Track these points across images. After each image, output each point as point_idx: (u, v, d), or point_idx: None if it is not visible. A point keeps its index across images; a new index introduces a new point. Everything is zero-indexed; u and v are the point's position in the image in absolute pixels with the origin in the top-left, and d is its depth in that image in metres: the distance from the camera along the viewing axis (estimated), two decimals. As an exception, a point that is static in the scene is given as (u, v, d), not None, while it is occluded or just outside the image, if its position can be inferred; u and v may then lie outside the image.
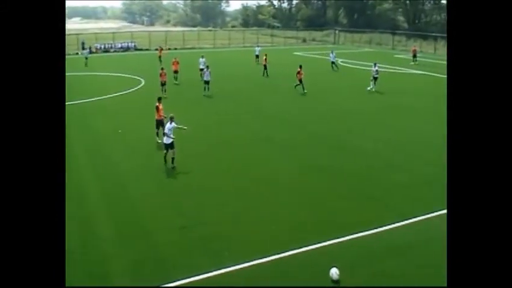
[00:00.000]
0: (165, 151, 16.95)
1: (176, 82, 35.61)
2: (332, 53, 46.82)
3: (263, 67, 40.96)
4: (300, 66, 32.68)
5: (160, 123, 19.51)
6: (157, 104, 19.85)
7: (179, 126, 17.25)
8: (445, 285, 9.61)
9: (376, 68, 32.85)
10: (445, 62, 51.29)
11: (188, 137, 19.02)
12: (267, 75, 40.31)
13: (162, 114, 19.57)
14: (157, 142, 19.52)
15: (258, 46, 55.98)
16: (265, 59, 41.37)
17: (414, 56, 51.27)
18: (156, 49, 55.34)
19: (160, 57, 48.33)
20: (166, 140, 16.73)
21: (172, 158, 16.74)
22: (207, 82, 31.60)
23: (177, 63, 36.62)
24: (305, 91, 31.85)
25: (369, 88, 31.61)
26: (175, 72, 36.16)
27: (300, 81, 32.10)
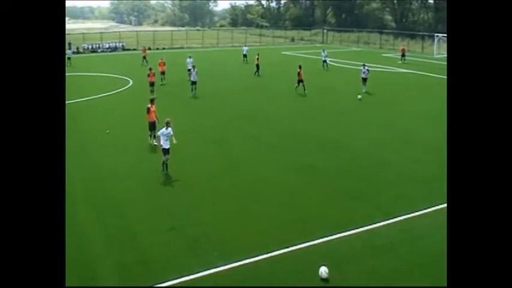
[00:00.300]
0: (164, 156, 16.31)
1: (163, 83, 35.35)
2: (323, 51, 46.96)
3: (255, 66, 41.04)
4: (300, 67, 32.16)
5: (152, 126, 19.23)
6: (148, 105, 19.47)
7: (171, 136, 16.34)
8: (436, 281, 9.78)
9: (366, 68, 32.28)
10: (432, 61, 51.98)
11: (177, 138, 18.92)
12: (259, 74, 40.54)
13: (154, 116, 19.23)
14: (153, 145, 19.17)
15: (245, 46, 56.21)
16: (258, 58, 41.51)
17: (403, 55, 51.61)
18: (140, 49, 55.10)
19: (144, 57, 47.96)
20: (166, 145, 16.17)
21: (166, 164, 16.32)
22: (194, 83, 31.26)
23: (164, 63, 36.40)
24: (306, 92, 31.38)
25: (359, 97, 29.68)
26: (162, 73, 35.92)
27: (300, 81, 31.53)
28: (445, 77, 39.84)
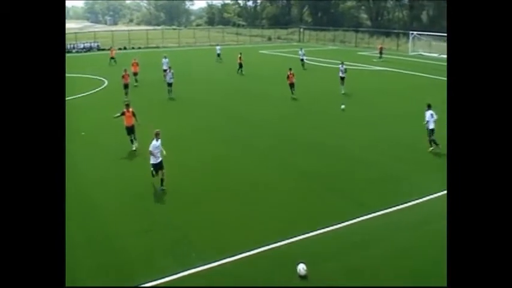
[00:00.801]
0: (154, 173, 14.88)
1: (136, 84, 34.39)
2: (301, 50, 47.05)
3: (238, 65, 41.40)
4: (290, 69, 30.76)
5: (130, 130, 18.66)
6: (124, 110, 18.74)
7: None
8: (413, 276, 9.92)
9: (344, 67, 31.52)
10: (408, 58, 52.59)
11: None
12: (242, 73, 40.87)
13: (131, 121, 18.61)
14: (133, 150, 18.75)
15: (218, 45, 56.12)
16: (240, 57, 41.84)
17: (380, 53, 51.99)
18: (103, 49, 54.49)
19: (112, 57, 47.25)
20: (154, 160, 14.62)
21: (162, 180, 14.70)
22: (170, 84, 30.42)
23: (137, 64, 35.53)
24: (294, 95, 29.78)
25: (343, 107, 26.16)
26: (135, 74, 34.87)
27: (291, 85, 29.90)
28: (420, 74, 40.46)
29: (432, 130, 18.60)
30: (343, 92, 31.12)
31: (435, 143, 18.61)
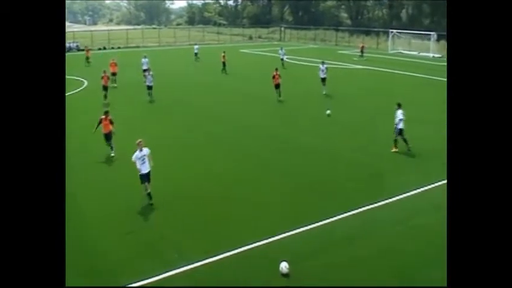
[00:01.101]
0: (143, 184, 13.88)
1: (115, 85, 33.37)
2: (281, 49, 46.86)
3: (222, 64, 41.40)
4: (276, 69, 29.59)
5: (107, 136, 18.25)
6: (101, 117, 18.27)
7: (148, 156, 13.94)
8: (391, 272, 10.03)
9: (325, 66, 30.48)
10: (387, 56, 53.01)
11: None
12: (226, 72, 40.91)
13: (109, 128, 18.14)
14: (111, 155, 18.32)
15: (196, 44, 55.60)
16: (224, 56, 41.80)
17: (362, 52, 52.31)
18: (83, 49, 53.90)
19: (88, 58, 46.49)
20: (144, 169, 13.74)
21: (148, 194, 13.84)
22: (149, 87, 29.49)
23: (115, 64, 34.81)
24: (280, 98, 28.56)
25: (328, 112, 24.45)
26: (114, 74, 33.90)
27: (277, 86, 28.56)
28: (401, 72, 40.86)
29: (401, 130, 18.32)
30: (324, 92, 30.38)
31: (405, 141, 18.37)
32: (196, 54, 51.83)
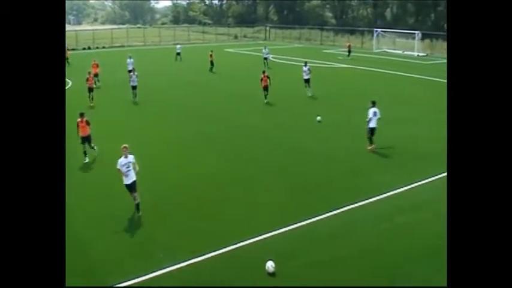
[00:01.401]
0: (132, 195, 13.05)
1: (97, 86, 32.36)
2: (265, 48, 46.68)
3: (210, 63, 41.69)
4: (263, 72, 28.70)
5: (85, 139, 17.65)
6: (78, 120, 17.48)
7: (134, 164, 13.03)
8: (374, 271, 10.11)
9: (307, 67, 29.55)
10: (372, 55, 53.30)
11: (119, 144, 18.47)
12: (213, 71, 41.11)
13: (86, 130, 17.55)
14: (85, 162, 17.72)
15: (178, 44, 54.68)
16: (211, 55, 41.91)
17: (349, 51, 52.28)
18: (69, 49, 53.17)
19: (67, 58, 44.72)
20: (128, 179, 12.91)
21: (137, 205, 13.01)
22: (134, 87, 29.06)
23: (97, 65, 34.21)
24: (266, 101, 27.83)
25: (319, 118, 23.20)
26: (96, 75, 32.97)
27: (265, 88, 27.59)
28: (384, 71, 41.15)
29: (372, 129, 18.08)
30: (309, 94, 29.74)
31: (370, 141, 18.22)
32: (178, 54, 50.53)
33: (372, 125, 18.09)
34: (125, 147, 12.92)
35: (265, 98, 27.93)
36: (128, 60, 35.79)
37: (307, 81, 29.87)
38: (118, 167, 12.79)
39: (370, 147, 18.29)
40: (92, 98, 28.13)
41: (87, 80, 28.26)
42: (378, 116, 18.09)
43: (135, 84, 29.14)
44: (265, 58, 44.72)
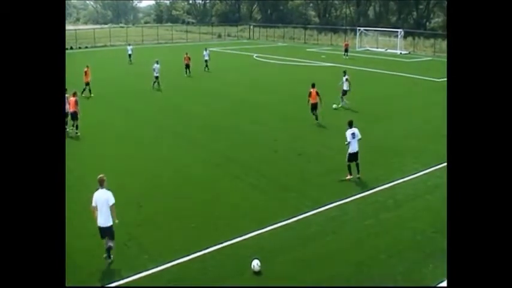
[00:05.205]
0: (109, 242, 10.47)
1: (88, 96, 29.19)
2: (206, 50, 41.75)
3: (185, 66, 37.59)
4: (313, 85, 22.80)
5: (72, 115, 18.78)
6: (67, 95, 18.80)
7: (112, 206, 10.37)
8: (357, 267, 10.20)
9: (346, 77, 26.34)
10: (354, 54, 53.52)
11: (104, 141, 18.38)
12: (190, 75, 37.52)
13: (74, 107, 18.66)
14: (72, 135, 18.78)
15: (129, 45, 50.19)
16: (186, 57, 37.81)
17: (346, 50, 51.86)
18: None
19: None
20: (105, 221, 10.23)
21: (108, 249, 10.41)
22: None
23: (87, 73, 29.00)
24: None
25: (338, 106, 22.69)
26: (87, 84, 28.99)
27: (313, 107, 22.16)
28: (367, 69, 41.39)
29: (353, 155, 15.04)
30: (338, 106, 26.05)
31: (350, 170, 15.19)
32: (130, 55, 46.97)
33: (353, 149, 15.04)
34: (101, 178, 10.47)
35: (316, 118, 22.53)
36: (155, 65, 32.22)
37: (344, 93, 26.23)
38: (93, 205, 10.33)
39: (347, 178, 15.20)
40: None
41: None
42: (358, 137, 15.08)
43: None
44: (206, 60, 40.54)
